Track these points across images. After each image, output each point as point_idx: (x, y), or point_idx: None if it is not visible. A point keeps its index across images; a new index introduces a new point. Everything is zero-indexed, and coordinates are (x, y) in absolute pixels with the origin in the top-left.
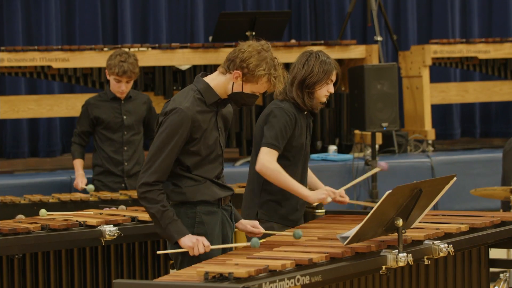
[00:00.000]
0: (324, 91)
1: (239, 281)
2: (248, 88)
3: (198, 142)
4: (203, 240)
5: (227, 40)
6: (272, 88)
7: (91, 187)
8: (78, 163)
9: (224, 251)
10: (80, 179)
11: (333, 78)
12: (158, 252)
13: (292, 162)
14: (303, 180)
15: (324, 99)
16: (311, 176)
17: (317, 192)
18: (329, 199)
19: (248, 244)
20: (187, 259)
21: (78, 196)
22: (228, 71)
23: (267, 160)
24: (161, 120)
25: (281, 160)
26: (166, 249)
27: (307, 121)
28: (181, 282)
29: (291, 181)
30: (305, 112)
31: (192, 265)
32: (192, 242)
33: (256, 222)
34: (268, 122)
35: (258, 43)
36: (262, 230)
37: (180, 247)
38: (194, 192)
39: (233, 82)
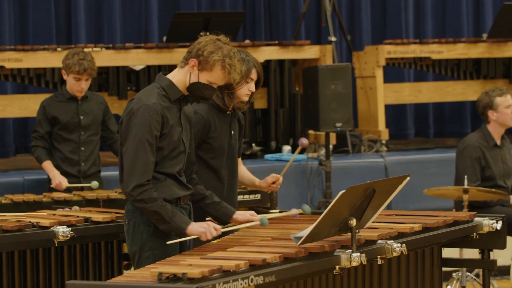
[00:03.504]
0: (245, 91)
1: (193, 282)
2: (204, 77)
3: (165, 137)
4: (213, 224)
5: (181, 40)
6: (227, 76)
7: (95, 183)
8: (48, 164)
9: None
10: (61, 178)
11: (253, 76)
12: (168, 243)
13: (214, 166)
14: (232, 182)
15: (246, 98)
16: (246, 175)
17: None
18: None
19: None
20: (144, 259)
21: (31, 197)
22: (186, 63)
23: None
24: (126, 119)
25: (201, 167)
26: (121, 249)
27: (230, 121)
28: (135, 283)
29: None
30: (228, 112)
31: (146, 266)
32: (204, 227)
33: (252, 212)
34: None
35: (216, 36)
36: (258, 217)
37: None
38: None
39: (190, 73)
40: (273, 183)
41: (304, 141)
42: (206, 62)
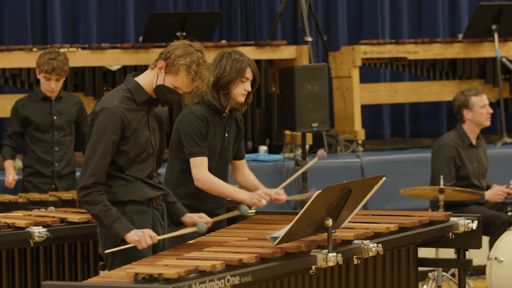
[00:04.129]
0: (241, 90)
1: (169, 282)
2: (169, 81)
3: (129, 141)
4: (149, 232)
5: (157, 40)
6: (191, 83)
7: (19, 163)
8: (9, 164)
9: (155, 249)
10: (12, 176)
11: (248, 76)
12: (106, 252)
13: None
14: None
15: (242, 99)
16: (251, 180)
17: (251, 195)
18: (264, 202)
19: (195, 229)
20: (117, 260)
21: (6, 197)
22: (155, 65)
23: (197, 173)
24: (90, 120)
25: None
26: (96, 249)
27: (226, 123)
28: (111, 283)
29: (224, 187)
30: (224, 114)
31: (122, 266)
32: (138, 236)
33: (203, 214)
34: (182, 129)
35: (189, 42)
36: (209, 219)
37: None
38: (125, 191)
39: (157, 75)
40: (276, 199)
41: (320, 153)
42: (172, 65)
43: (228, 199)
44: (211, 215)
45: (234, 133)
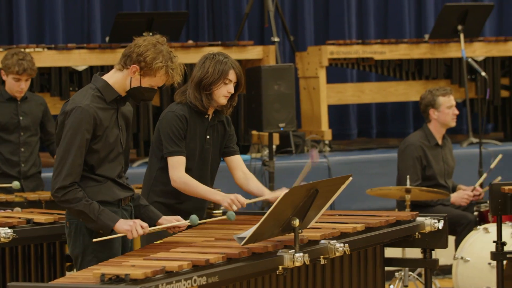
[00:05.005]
0: (223, 92)
1: (136, 283)
2: (146, 82)
3: (100, 139)
4: (140, 222)
5: (124, 40)
6: (170, 80)
7: (16, 184)
8: None
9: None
10: None
11: (232, 78)
12: (94, 240)
13: None
14: None
15: (224, 101)
16: (255, 183)
17: (225, 197)
18: (235, 208)
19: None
20: (86, 261)
21: None
22: (125, 67)
23: (173, 173)
24: (60, 120)
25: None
26: (63, 251)
27: (208, 125)
28: (77, 284)
29: (199, 188)
30: (207, 116)
31: (89, 267)
32: (129, 225)
33: (178, 217)
34: (162, 128)
35: (153, 37)
36: (186, 222)
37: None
38: (95, 192)
39: (131, 77)
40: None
41: (314, 154)
42: (149, 68)
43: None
44: (189, 215)
45: (220, 134)
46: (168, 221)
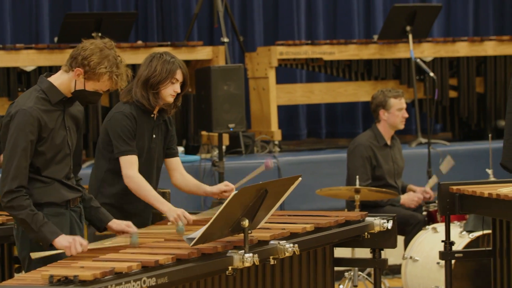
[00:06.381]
0: (170, 91)
1: (85, 284)
2: (90, 86)
3: (45, 141)
4: (80, 239)
5: (73, 41)
6: (115, 86)
7: None
8: None
9: None
10: None
11: (178, 77)
12: (33, 257)
13: None
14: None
15: (171, 99)
16: (192, 181)
17: (172, 210)
18: (180, 224)
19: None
20: (34, 262)
21: None
22: (71, 69)
23: (127, 172)
24: (5, 122)
25: (116, 166)
26: (11, 252)
27: (154, 124)
28: (25, 286)
29: (150, 193)
30: (152, 115)
31: (38, 269)
32: (69, 242)
33: (129, 222)
34: (111, 129)
35: (101, 41)
36: (135, 229)
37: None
38: (42, 194)
39: (75, 80)
40: (225, 191)
41: (268, 163)
42: (93, 73)
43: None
44: (135, 216)
45: (163, 134)
46: (118, 224)
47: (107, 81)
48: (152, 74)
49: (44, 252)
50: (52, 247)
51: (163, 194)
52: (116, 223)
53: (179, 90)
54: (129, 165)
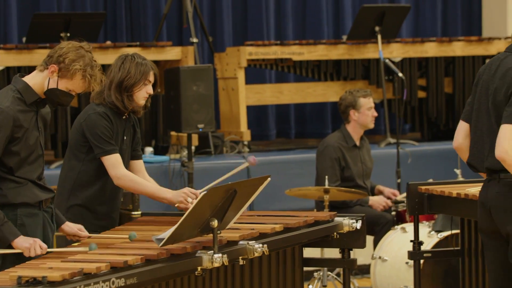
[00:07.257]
0: (143, 93)
1: (53, 285)
2: (63, 85)
3: (19, 142)
4: (40, 242)
5: (41, 41)
6: (88, 86)
7: None
8: None
9: None
10: None
11: (151, 79)
12: None
13: (102, 169)
14: (117, 188)
15: (143, 101)
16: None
17: (176, 194)
18: (190, 201)
19: (86, 249)
20: (8, 263)
21: None
22: (46, 67)
23: (116, 171)
24: None
25: (88, 168)
26: None
27: (125, 125)
28: None
29: (147, 186)
30: (124, 117)
31: (5, 270)
32: (29, 244)
33: (81, 226)
34: (89, 130)
35: (79, 43)
36: (87, 233)
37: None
38: (15, 194)
39: (49, 78)
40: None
41: (251, 159)
42: (67, 70)
43: (121, 200)
44: (106, 217)
45: (132, 136)
46: (70, 228)
47: (80, 80)
48: (126, 76)
49: (3, 250)
50: (10, 247)
51: (133, 196)
52: (68, 226)
53: (151, 92)
54: (117, 164)
